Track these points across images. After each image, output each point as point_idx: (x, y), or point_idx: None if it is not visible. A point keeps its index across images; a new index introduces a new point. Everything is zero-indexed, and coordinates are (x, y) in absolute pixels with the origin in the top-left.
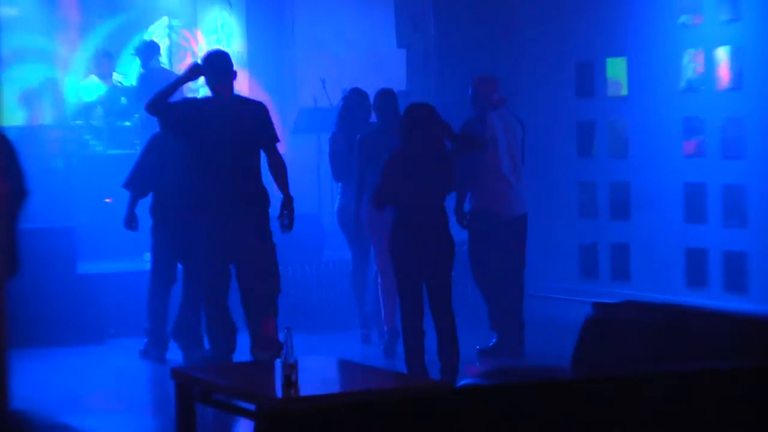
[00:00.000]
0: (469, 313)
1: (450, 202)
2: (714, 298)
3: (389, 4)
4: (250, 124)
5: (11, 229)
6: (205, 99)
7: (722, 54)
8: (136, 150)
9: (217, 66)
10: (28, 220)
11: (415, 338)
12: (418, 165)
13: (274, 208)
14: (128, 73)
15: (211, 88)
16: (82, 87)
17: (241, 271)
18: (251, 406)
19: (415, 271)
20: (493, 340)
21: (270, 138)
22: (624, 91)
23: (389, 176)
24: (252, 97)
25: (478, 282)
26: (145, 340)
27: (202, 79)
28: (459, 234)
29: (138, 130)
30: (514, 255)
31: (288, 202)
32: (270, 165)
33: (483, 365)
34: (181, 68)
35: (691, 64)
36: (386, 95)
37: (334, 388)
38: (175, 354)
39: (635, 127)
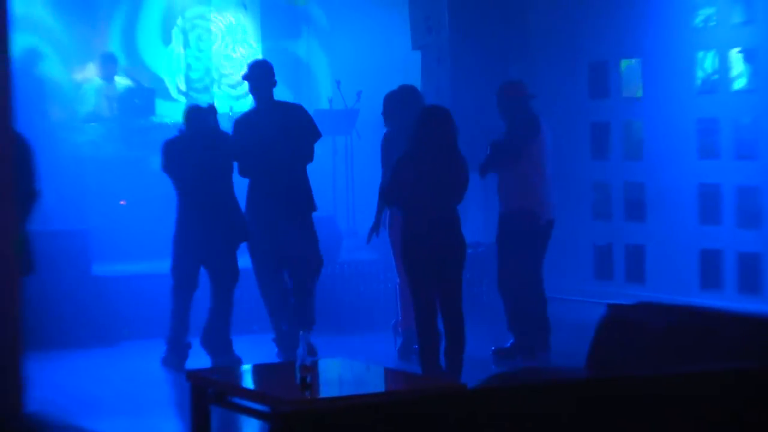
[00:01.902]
0: (484, 314)
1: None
2: (729, 299)
3: (404, 6)
4: (293, 127)
5: (23, 229)
6: (250, 111)
7: (736, 55)
8: (148, 152)
9: (258, 75)
10: (42, 222)
11: (430, 338)
12: (431, 167)
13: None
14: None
15: (254, 96)
16: (86, 89)
17: (292, 271)
18: (266, 408)
19: (427, 272)
20: (510, 341)
21: (311, 137)
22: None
23: (398, 176)
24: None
25: (501, 282)
26: (165, 346)
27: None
28: (471, 236)
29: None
30: (538, 258)
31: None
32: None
33: (498, 366)
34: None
35: (706, 65)
36: (408, 93)
37: (349, 389)
38: (194, 362)
39: (650, 128)
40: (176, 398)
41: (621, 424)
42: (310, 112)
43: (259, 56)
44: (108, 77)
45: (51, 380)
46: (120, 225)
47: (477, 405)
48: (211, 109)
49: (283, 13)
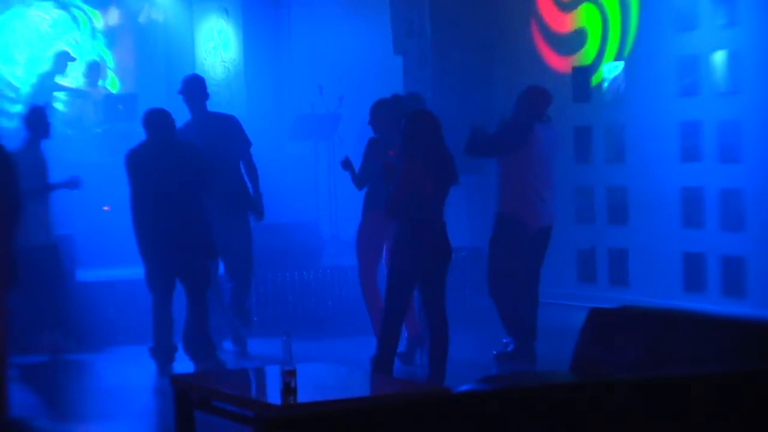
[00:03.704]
0: (468, 318)
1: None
2: (712, 302)
3: (385, 11)
4: (224, 136)
5: (8, 242)
6: (187, 123)
7: (719, 58)
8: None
9: (192, 90)
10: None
11: (393, 341)
12: (428, 175)
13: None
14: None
15: (189, 109)
16: (70, 95)
17: (228, 265)
18: (250, 413)
19: (410, 278)
20: (511, 347)
21: (243, 146)
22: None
23: (405, 187)
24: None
25: (491, 286)
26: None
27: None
28: (455, 240)
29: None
30: (533, 265)
31: (258, 197)
32: (245, 169)
33: (500, 370)
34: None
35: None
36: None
37: (332, 394)
38: (182, 366)
39: (632, 131)
40: (160, 403)
41: (605, 427)
42: (292, 116)
43: (241, 62)
44: (93, 83)
45: (35, 386)
46: (104, 231)
47: (461, 409)
48: (169, 114)
49: (265, 19)
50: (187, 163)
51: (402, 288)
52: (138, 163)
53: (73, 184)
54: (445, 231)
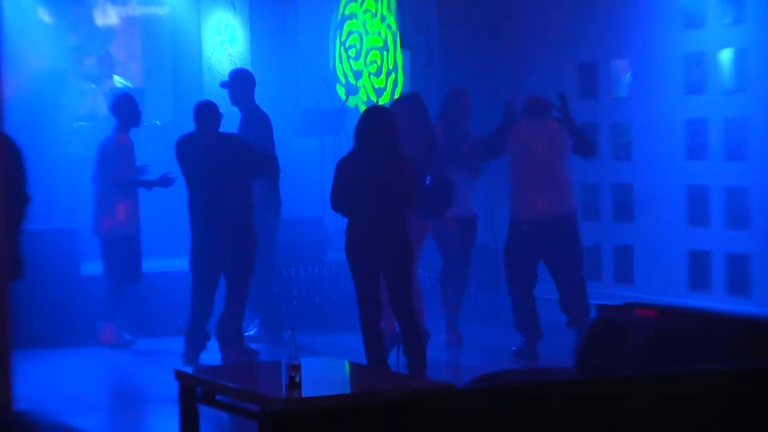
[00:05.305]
0: (472, 314)
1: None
2: (717, 300)
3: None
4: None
5: (14, 233)
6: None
7: (725, 56)
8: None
9: (239, 82)
10: (31, 221)
11: (375, 336)
12: (368, 168)
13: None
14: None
15: (237, 102)
16: (80, 88)
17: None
18: (255, 407)
19: (369, 273)
20: (523, 342)
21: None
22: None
23: (337, 180)
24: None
25: (508, 283)
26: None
27: None
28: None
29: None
30: (563, 260)
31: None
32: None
33: (517, 366)
34: None
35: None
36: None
37: (337, 389)
38: (205, 356)
39: (638, 128)
40: (165, 397)
41: (609, 424)
42: (298, 112)
43: (248, 56)
44: (106, 76)
45: (39, 378)
46: None
47: (465, 405)
48: (217, 107)
49: (272, 13)
50: (233, 154)
51: (357, 281)
52: (184, 150)
53: (166, 181)
54: (396, 227)
